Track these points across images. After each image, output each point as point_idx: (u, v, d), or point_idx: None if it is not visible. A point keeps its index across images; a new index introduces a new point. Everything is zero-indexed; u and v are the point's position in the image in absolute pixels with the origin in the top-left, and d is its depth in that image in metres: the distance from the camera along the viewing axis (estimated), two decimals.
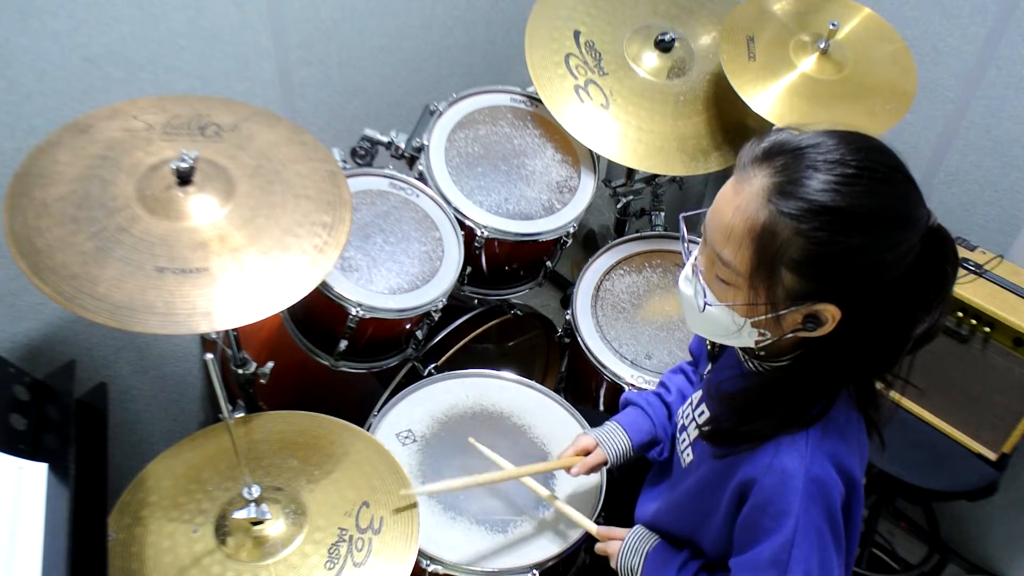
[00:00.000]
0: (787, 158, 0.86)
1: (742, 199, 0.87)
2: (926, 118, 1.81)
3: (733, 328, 0.94)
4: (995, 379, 1.61)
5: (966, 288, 1.61)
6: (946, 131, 1.80)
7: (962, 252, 1.71)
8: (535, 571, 1.24)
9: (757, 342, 0.95)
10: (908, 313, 0.89)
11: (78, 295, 0.98)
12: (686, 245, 1.01)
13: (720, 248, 0.90)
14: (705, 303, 0.94)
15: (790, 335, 0.91)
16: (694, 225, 1.01)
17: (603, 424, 1.34)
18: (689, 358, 1.37)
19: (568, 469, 1.28)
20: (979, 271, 1.64)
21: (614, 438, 1.30)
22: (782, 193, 0.84)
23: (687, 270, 0.98)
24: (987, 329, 1.59)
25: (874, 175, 0.83)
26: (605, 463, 1.29)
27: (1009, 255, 1.72)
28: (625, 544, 1.18)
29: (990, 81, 1.71)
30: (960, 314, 1.61)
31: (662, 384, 1.37)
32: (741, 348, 1.03)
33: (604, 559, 1.23)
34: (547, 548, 1.28)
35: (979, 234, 1.80)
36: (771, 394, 0.97)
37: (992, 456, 1.66)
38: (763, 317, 0.90)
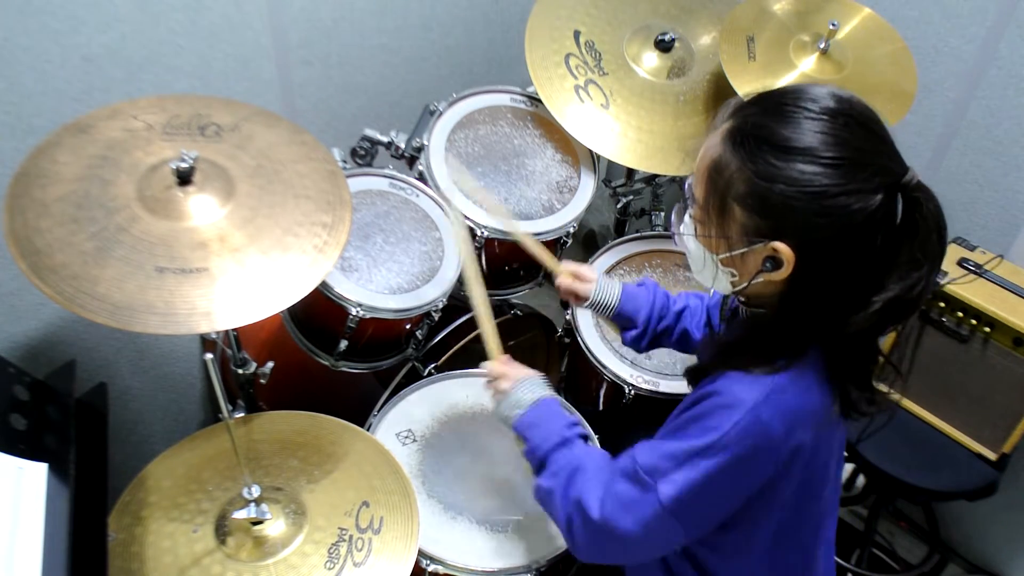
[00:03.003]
0: (752, 107, 0.92)
1: (708, 141, 0.95)
2: (926, 118, 1.81)
3: (702, 263, 1.00)
4: (995, 379, 1.61)
5: (966, 288, 1.61)
6: (946, 131, 1.80)
7: (962, 252, 1.71)
8: (535, 571, 1.24)
9: (733, 283, 0.99)
10: (871, 268, 0.88)
11: (78, 295, 0.98)
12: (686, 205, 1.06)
13: (690, 185, 0.99)
14: (673, 232, 1.05)
15: (759, 278, 0.93)
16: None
17: (610, 276, 1.40)
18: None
19: (556, 277, 1.40)
20: (979, 271, 1.64)
21: (609, 286, 1.37)
22: (737, 130, 0.90)
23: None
24: (987, 329, 1.59)
25: (827, 118, 0.87)
26: (586, 298, 1.37)
27: (1009, 255, 1.73)
28: (528, 378, 1.19)
29: (990, 81, 1.71)
30: (960, 314, 1.62)
31: (680, 295, 1.41)
32: (734, 295, 1.07)
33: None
34: (547, 548, 1.28)
35: (979, 234, 1.80)
36: (746, 335, 1.02)
37: (992, 456, 1.66)
38: (726, 254, 0.95)
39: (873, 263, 0.88)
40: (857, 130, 0.88)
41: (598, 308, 1.37)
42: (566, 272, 1.39)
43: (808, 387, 0.95)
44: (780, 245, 0.89)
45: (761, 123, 0.89)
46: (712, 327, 1.33)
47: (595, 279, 1.37)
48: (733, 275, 0.98)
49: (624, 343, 1.40)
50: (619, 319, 1.38)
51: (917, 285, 0.88)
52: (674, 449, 0.96)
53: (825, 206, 0.86)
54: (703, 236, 0.98)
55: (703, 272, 1.02)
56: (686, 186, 1.01)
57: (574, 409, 1.18)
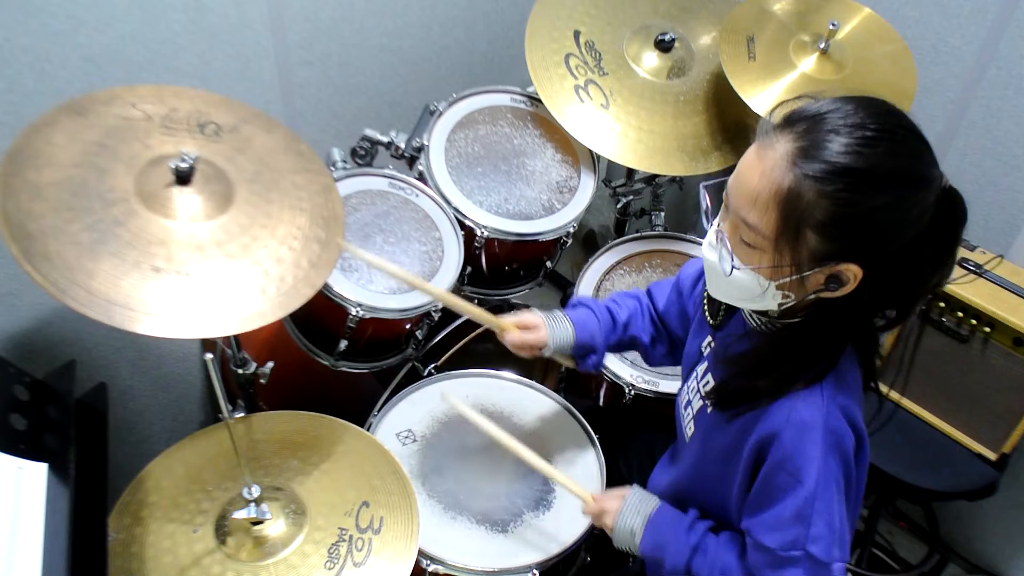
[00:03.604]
0: (808, 123, 0.88)
1: (766, 164, 0.89)
2: (926, 118, 1.79)
3: (758, 291, 0.95)
4: (995, 379, 1.61)
5: (966, 288, 1.61)
6: (946, 131, 1.80)
7: (962, 252, 1.71)
8: (535, 571, 1.24)
9: (781, 304, 0.96)
10: (921, 270, 0.91)
11: (71, 287, 0.97)
12: (706, 213, 1.02)
13: (746, 213, 0.91)
14: (733, 267, 0.95)
15: (812, 296, 0.93)
16: (715, 194, 1.03)
17: (551, 310, 1.32)
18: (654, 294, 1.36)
19: (504, 334, 1.27)
20: (979, 271, 1.64)
21: (559, 325, 1.29)
22: (806, 156, 0.86)
23: (710, 237, 1.00)
24: (987, 329, 1.58)
25: (893, 137, 0.86)
26: (543, 347, 1.27)
27: (1009, 255, 1.72)
28: (625, 503, 1.17)
29: (990, 81, 1.71)
30: (960, 314, 1.61)
31: (614, 300, 1.36)
32: (753, 312, 1.04)
33: (604, 559, 1.23)
34: (547, 548, 1.28)
35: (979, 234, 1.80)
36: (781, 351, 0.99)
37: (992, 456, 1.66)
38: (788, 279, 0.92)
39: (922, 263, 0.91)
40: (915, 144, 0.89)
41: (563, 348, 1.29)
42: (510, 325, 1.29)
43: (847, 382, 0.97)
44: (851, 266, 0.89)
45: (830, 147, 0.85)
46: (682, 327, 1.31)
47: (543, 323, 1.28)
48: (787, 296, 0.95)
49: (582, 370, 1.33)
50: (577, 351, 1.31)
51: (947, 272, 0.93)
52: (792, 510, 0.94)
53: (899, 223, 0.87)
54: (773, 267, 0.92)
55: (752, 301, 0.99)
56: (733, 217, 0.94)
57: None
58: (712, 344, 1.16)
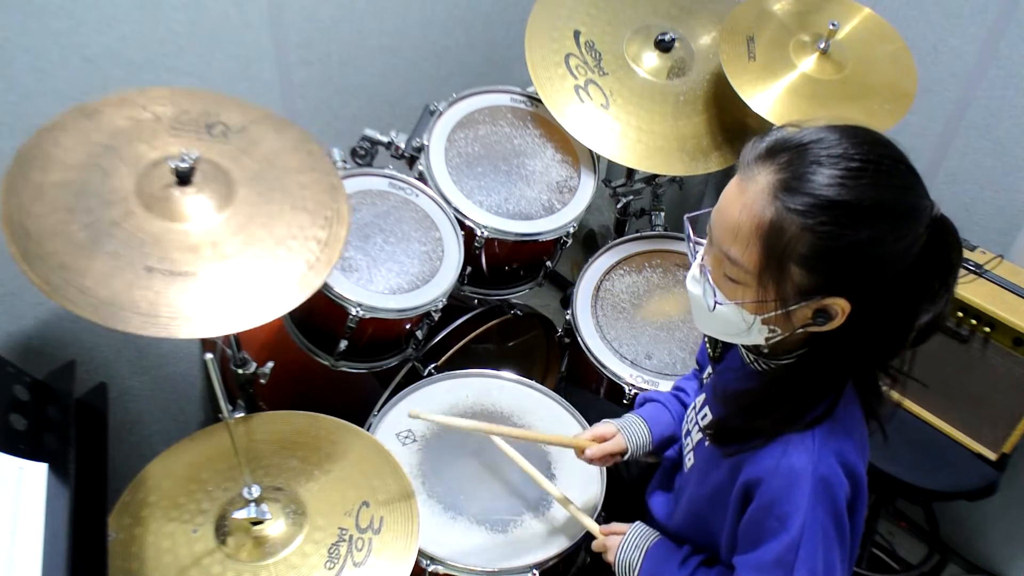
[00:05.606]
0: (790, 154, 0.86)
1: (748, 197, 0.87)
2: (926, 118, 1.81)
3: (743, 326, 0.93)
4: (995, 379, 1.61)
5: (966, 288, 1.61)
6: (946, 131, 1.80)
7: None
8: (535, 571, 1.24)
9: (768, 339, 0.94)
10: (914, 303, 0.89)
11: (64, 286, 0.96)
12: (692, 245, 1.00)
13: (728, 247, 0.89)
14: (716, 302, 0.93)
15: (800, 330, 0.91)
16: (699, 226, 1.01)
17: (623, 416, 1.32)
18: (696, 367, 1.36)
19: (583, 452, 1.26)
20: (979, 271, 1.64)
21: (634, 428, 1.28)
22: (788, 189, 0.84)
23: (694, 270, 0.98)
24: (987, 329, 1.58)
25: (878, 167, 0.84)
26: (624, 452, 1.27)
27: (1009, 255, 1.72)
28: (625, 539, 1.18)
29: (990, 81, 1.71)
30: (960, 314, 1.61)
31: (678, 388, 1.37)
32: (747, 348, 1.03)
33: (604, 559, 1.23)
34: (547, 548, 1.28)
35: (979, 234, 1.80)
36: (777, 391, 0.97)
37: (992, 456, 1.66)
38: (773, 314, 0.90)
39: (914, 296, 0.88)
40: (901, 174, 0.86)
41: (642, 449, 1.28)
42: (587, 442, 1.27)
43: (846, 424, 0.94)
44: (838, 300, 0.86)
45: (812, 179, 0.83)
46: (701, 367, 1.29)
47: (617, 430, 1.28)
48: (773, 330, 0.93)
49: (673, 459, 1.31)
50: (658, 447, 1.29)
51: (946, 305, 0.89)
52: (774, 554, 0.92)
53: (886, 256, 0.84)
54: (757, 302, 0.90)
55: (738, 336, 0.96)
56: (716, 251, 0.92)
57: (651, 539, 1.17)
58: (711, 376, 1.15)
